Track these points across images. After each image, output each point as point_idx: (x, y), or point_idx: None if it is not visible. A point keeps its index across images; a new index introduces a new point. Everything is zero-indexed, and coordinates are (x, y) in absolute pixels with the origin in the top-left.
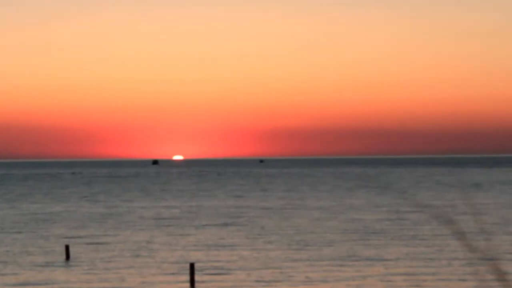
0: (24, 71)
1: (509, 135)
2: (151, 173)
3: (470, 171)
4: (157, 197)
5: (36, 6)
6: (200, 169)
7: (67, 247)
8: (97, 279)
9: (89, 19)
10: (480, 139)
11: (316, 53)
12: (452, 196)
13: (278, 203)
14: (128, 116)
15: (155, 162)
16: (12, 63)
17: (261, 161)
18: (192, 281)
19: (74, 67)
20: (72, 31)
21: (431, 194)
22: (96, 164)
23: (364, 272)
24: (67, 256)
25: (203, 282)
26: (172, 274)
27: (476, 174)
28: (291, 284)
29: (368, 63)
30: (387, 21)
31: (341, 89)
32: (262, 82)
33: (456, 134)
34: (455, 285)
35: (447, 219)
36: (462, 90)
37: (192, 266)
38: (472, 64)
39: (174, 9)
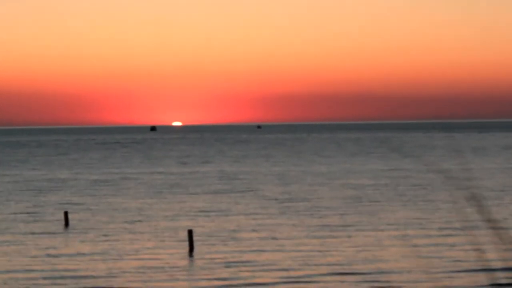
0: (23, 39)
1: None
2: (149, 140)
3: (474, 136)
4: (155, 164)
5: None
6: (198, 135)
7: (66, 214)
8: (96, 246)
9: None
10: (482, 103)
11: (313, 19)
12: (464, 160)
13: (278, 169)
14: (126, 82)
15: (153, 128)
16: (12, 30)
17: (259, 126)
18: (191, 247)
19: (73, 34)
20: (72, 0)
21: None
22: (94, 130)
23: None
24: (66, 223)
25: (201, 249)
26: (171, 240)
27: (481, 139)
28: (278, 250)
29: (366, 29)
30: None
31: (338, 55)
32: (259, 48)
33: (456, 99)
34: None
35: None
36: (461, 55)
37: (190, 232)
38: (472, 30)
39: None
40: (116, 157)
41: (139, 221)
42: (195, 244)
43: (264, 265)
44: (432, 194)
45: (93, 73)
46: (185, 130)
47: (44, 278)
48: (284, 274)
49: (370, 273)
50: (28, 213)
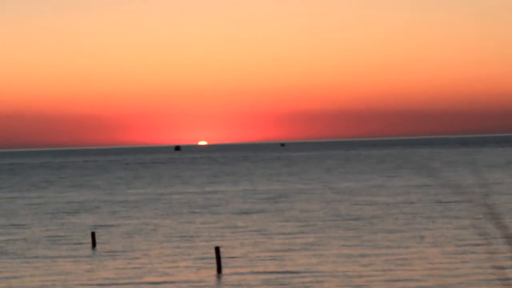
0: (53, 60)
1: None
2: (174, 159)
3: (493, 151)
4: (181, 183)
5: None
6: (221, 154)
7: (93, 234)
8: (123, 266)
9: (114, 6)
10: (502, 118)
11: (337, 36)
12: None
13: (299, 187)
14: (152, 102)
15: (177, 148)
16: (40, 52)
17: (282, 144)
18: (219, 266)
19: (101, 55)
20: (96, 20)
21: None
22: (120, 151)
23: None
24: (93, 244)
25: (229, 267)
26: (199, 259)
27: (503, 153)
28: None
29: (387, 45)
30: (404, 4)
31: (360, 71)
32: (282, 66)
33: (474, 113)
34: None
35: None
36: (476, 69)
37: (217, 250)
38: (489, 44)
39: None
40: (142, 177)
41: (167, 240)
42: (225, 262)
43: (296, 285)
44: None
45: (120, 94)
46: (210, 149)
47: None
48: None
49: None
50: (55, 235)
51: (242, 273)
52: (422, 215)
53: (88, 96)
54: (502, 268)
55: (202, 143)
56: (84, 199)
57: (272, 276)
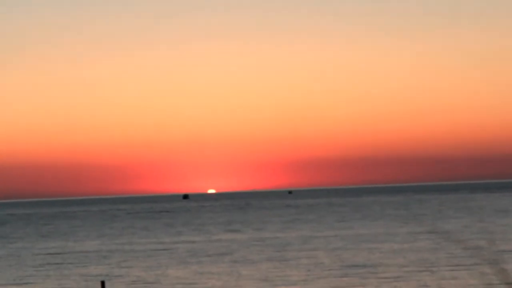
0: (59, 110)
1: None
2: (183, 208)
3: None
4: (187, 232)
5: (77, 45)
6: (230, 202)
7: (102, 284)
8: None
9: (119, 58)
10: None
11: (343, 83)
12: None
13: (306, 234)
14: (160, 152)
15: (185, 196)
16: (50, 101)
17: (290, 192)
18: None
19: (109, 105)
20: (105, 69)
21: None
22: (127, 200)
23: None
24: None
25: None
26: None
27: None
28: None
29: (395, 92)
30: (418, 51)
31: (368, 118)
32: (289, 113)
33: (490, 159)
34: None
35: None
36: (493, 115)
37: None
38: (498, 90)
39: (207, 42)
40: (150, 226)
41: None
42: None
43: None
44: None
45: (126, 143)
46: (218, 197)
47: None
48: None
49: None
50: (64, 286)
51: None
52: (427, 262)
53: (96, 145)
54: None
55: (211, 191)
56: (94, 248)
57: None
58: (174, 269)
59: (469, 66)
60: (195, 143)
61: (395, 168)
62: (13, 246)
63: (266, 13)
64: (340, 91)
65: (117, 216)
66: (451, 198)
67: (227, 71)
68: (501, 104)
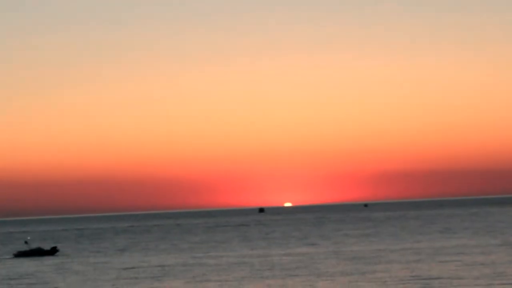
0: (139, 124)
1: None
2: (259, 221)
3: None
4: (266, 245)
5: (148, 61)
6: (306, 216)
7: None
8: None
9: (196, 71)
10: None
11: (416, 96)
12: None
13: (381, 247)
14: (237, 165)
15: (261, 210)
16: (124, 116)
17: (365, 205)
18: None
19: (186, 119)
20: (181, 84)
21: None
22: (203, 214)
23: None
24: None
25: None
26: None
27: None
28: None
29: (467, 104)
30: (488, 63)
31: (441, 130)
32: (364, 126)
33: None
34: None
35: None
36: None
37: None
38: None
39: (276, 57)
40: (227, 240)
41: None
42: None
43: None
44: None
45: (204, 156)
46: (295, 210)
47: None
48: None
49: None
50: None
51: None
52: (502, 276)
53: (172, 159)
54: None
55: (288, 204)
56: (171, 262)
57: None
58: (250, 282)
59: None
60: (272, 156)
61: (470, 180)
62: (91, 261)
63: (342, 27)
64: (418, 103)
65: (193, 230)
66: None
67: (304, 84)
68: None
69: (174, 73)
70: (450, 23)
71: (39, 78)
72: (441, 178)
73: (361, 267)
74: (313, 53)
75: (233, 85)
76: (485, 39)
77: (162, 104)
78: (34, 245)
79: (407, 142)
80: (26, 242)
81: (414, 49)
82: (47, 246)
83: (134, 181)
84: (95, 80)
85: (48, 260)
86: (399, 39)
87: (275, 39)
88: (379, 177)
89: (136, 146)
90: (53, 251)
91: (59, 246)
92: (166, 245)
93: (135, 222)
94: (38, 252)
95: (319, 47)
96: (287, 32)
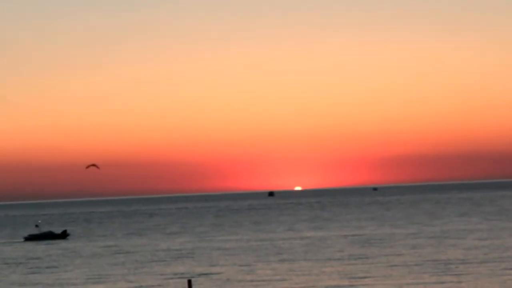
0: (150, 109)
1: None
2: (269, 205)
3: None
4: (274, 229)
5: (155, 43)
6: (316, 200)
7: (189, 282)
8: None
9: (206, 54)
10: None
11: (424, 79)
12: None
13: (391, 231)
14: (247, 149)
15: (271, 193)
16: (134, 99)
17: (375, 189)
18: None
19: (198, 103)
20: (190, 66)
21: None
22: (213, 197)
23: None
24: None
25: None
26: None
27: None
28: None
29: (479, 87)
30: (498, 45)
31: (451, 114)
32: (374, 109)
33: None
34: None
35: None
36: None
37: None
38: None
39: (293, 40)
40: (236, 223)
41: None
42: None
43: None
44: None
45: (214, 140)
46: (303, 194)
47: None
48: None
49: None
50: (150, 285)
51: None
52: (510, 259)
53: (182, 143)
54: None
55: (298, 188)
56: (180, 247)
57: None
58: (260, 266)
59: None
60: (282, 140)
61: (482, 163)
62: (99, 244)
63: (351, 12)
64: (428, 86)
65: (203, 214)
66: None
67: (313, 68)
68: None
69: (185, 57)
70: (463, 5)
71: (52, 60)
72: (452, 161)
73: (370, 251)
74: (326, 36)
75: (243, 69)
76: (499, 22)
77: (172, 88)
78: (45, 229)
79: (417, 125)
80: (37, 226)
81: (429, 31)
82: (57, 230)
83: (143, 164)
84: (103, 65)
85: (59, 244)
86: (412, 22)
87: (291, 22)
88: (389, 160)
89: (145, 129)
90: (63, 235)
91: (69, 229)
92: (175, 228)
93: (144, 205)
94: (49, 236)
95: (333, 30)
96: (305, 13)
